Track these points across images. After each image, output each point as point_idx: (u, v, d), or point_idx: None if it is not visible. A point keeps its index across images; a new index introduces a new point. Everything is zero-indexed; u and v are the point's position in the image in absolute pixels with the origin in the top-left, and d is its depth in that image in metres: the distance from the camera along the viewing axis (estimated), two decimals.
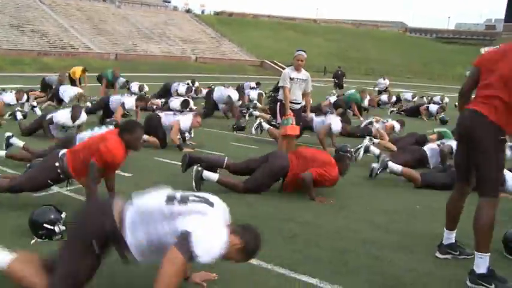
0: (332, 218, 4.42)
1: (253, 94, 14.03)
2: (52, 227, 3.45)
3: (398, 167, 5.80)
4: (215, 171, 5.17)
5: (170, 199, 2.43)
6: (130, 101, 9.07)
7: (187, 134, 7.92)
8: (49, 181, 4.01)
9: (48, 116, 7.35)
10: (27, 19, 35.79)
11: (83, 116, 7.47)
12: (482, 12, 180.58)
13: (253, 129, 8.68)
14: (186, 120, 7.28)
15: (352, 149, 6.94)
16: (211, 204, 2.48)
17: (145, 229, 2.39)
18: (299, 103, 6.66)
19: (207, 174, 4.91)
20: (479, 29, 71.63)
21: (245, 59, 44.38)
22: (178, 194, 2.50)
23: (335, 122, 8.02)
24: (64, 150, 4.08)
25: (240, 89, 13.92)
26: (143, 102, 9.58)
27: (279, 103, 6.60)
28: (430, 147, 6.82)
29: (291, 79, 6.44)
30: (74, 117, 7.27)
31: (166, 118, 7.31)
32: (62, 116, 7.33)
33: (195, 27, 49.20)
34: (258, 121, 8.81)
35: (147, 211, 2.42)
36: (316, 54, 47.20)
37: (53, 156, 4.08)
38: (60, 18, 38.48)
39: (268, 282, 3.04)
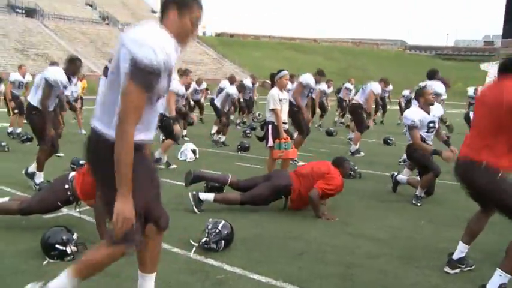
0: (337, 234, 4.47)
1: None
2: (64, 248, 3.52)
3: (405, 179, 6.22)
4: (221, 189, 5.36)
5: (105, 69, 2.27)
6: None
7: (191, 155, 8.05)
8: (59, 203, 4.10)
9: None
10: (32, 43, 36.35)
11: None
12: (480, 29, 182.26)
13: None
14: (176, 85, 7.15)
15: (356, 167, 7.04)
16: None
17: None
18: (286, 123, 6.67)
19: (203, 196, 5.06)
20: (478, 45, 72.11)
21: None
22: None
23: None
24: (73, 173, 4.19)
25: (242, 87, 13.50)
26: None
27: (270, 125, 6.44)
28: None
29: (280, 100, 6.39)
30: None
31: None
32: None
33: (197, 49, 49.75)
34: None
35: (103, 95, 2.24)
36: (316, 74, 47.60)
37: (62, 178, 4.17)
38: (63, 42, 39.06)
39: None
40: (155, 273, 2.61)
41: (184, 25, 2.21)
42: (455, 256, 3.59)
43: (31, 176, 5.78)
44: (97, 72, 35.07)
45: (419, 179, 5.98)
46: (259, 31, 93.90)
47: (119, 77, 2.10)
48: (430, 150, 5.59)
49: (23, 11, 43.48)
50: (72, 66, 5.74)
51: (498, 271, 3.10)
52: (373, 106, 11.61)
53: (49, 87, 5.58)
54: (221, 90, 11.76)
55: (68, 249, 3.54)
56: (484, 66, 57.40)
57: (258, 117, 16.00)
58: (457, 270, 3.59)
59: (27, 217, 4.24)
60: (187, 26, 2.21)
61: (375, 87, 9.95)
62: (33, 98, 5.79)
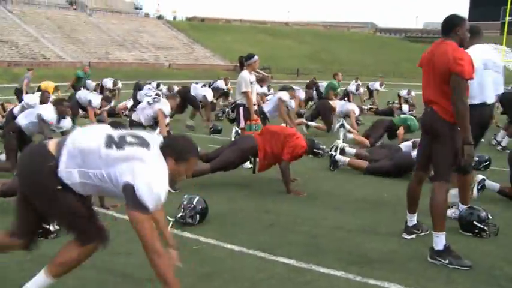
0: (306, 207, 4.80)
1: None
2: (47, 226, 3.69)
3: (345, 159, 6.51)
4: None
5: (109, 143, 2.44)
6: (97, 100, 9.54)
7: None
8: None
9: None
10: None
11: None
12: (449, 12, 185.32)
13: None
14: (165, 106, 7.21)
15: (324, 146, 7.35)
16: (147, 146, 2.45)
17: (79, 166, 2.43)
18: (256, 104, 6.93)
19: None
20: None
21: (218, 63, 44.69)
22: (116, 135, 2.49)
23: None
24: None
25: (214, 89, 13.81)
26: (107, 103, 9.89)
27: (241, 108, 6.64)
28: (405, 146, 6.90)
29: (251, 83, 6.58)
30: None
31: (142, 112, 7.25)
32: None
33: (168, 34, 49.28)
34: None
35: (84, 151, 2.44)
36: (288, 57, 47.89)
37: None
38: (29, 28, 38.09)
39: (250, 264, 3.37)
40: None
41: (180, 171, 2.55)
42: (409, 223, 3.95)
43: None
44: (66, 59, 34.47)
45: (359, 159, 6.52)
46: (230, 15, 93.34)
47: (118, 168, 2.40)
48: None
49: None
50: (60, 108, 6.12)
51: (434, 234, 3.47)
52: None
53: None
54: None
55: (51, 227, 3.72)
56: None
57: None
58: (413, 236, 3.95)
59: (8, 199, 4.38)
60: (181, 172, 2.55)
61: (355, 108, 10.29)
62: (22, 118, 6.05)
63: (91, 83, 15.00)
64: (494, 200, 5.05)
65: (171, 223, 4.04)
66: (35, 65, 31.36)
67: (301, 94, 13.35)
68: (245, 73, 6.62)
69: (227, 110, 11.95)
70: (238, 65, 6.99)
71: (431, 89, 3.52)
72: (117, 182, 2.39)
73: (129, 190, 2.33)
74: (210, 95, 11.31)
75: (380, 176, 6.20)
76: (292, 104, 9.59)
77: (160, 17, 55.25)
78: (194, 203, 4.12)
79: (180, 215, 4.07)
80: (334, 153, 6.68)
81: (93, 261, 3.32)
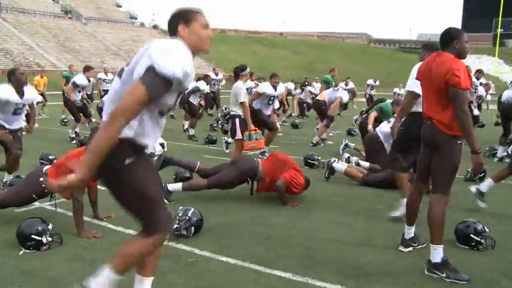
0: (301, 220, 4.76)
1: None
2: (40, 238, 3.65)
3: (342, 167, 6.40)
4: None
5: (121, 71, 2.34)
6: (80, 77, 9.81)
7: (160, 149, 8.16)
8: (34, 196, 4.22)
9: None
10: None
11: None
12: (443, 23, 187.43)
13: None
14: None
15: (319, 157, 7.36)
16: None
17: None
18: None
19: (171, 186, 5.19)
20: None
21: None
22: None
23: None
24: (48, 166, 4.32)
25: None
26: (92, 72, 10.14)
27: (237, 119, 6.67)
28: (382, 131, 6.87)
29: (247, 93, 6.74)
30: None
31: None
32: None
33: None
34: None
35: (110, 96, 2.34)
36: (283, 67, 47.98)
37: (37, 171, 4.30)
38: (24, 36, 38.00)
39: (245, 277, 3.33)
40: (152, 278, 2.61)
41: (197, 32, 2.31)
42: (406, 236, 3.93)
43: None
44: (60, 67, 34.36)
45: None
46: (225, 25, 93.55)
47: (131, 79, 2.17)
48: None
49: None
50: (13, 78, 5.49)
51: (431, 247, 3.44)
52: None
53: None
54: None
55: (44, 239, 3.67)
56: None
57: (225, 111, 16.28)
58: (410, 249, 3.92)
59: (1, 211, 4.33)
60: (199, 31, 2.31)
61: (344, 94, 10.19)
62: None
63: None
64: (491, 212, 5.05)
65: None
66: (30, 73, 31.36)
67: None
68: (240, 84, 6.69)
69: (220, 121, 12.05)
70: (233, 75, 7.03)
71: (429, 103, 3.52)
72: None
73: (148, 69, 2.10)
74: (203, 85, 11.49)
75: (376, 186, 6.19)
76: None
77: (155, 27, 55.29)
78: (189, 214, 4.07)
79: (175, 226, 4.02)
80: (332, 160, 6.64)
81: (84, 273, 3.28)
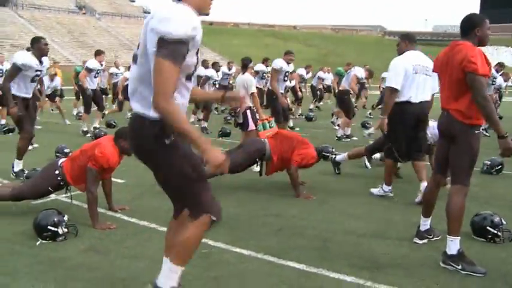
0: (315, 211, 4.75)
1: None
2: (56, 229, 3.70)
3: (344, 156, 6.43)
4: None
5: (134, 56, 2.33)
6: (92, 62, 9.77)
7: None
8: (50, 188, 4.28)
9: None
10: (6, 34, 35.75)
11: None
12: (459, 14, 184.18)
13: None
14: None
15: (334, 149, 7.32)
16: None
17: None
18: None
19: None
20: (456, 31, 73.15)
21: None
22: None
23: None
24: (63, 159, 4.37)
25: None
26: (102, 56, 10.04)
27: (248, 110, 6.72)
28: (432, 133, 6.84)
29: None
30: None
31: None
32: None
33: None
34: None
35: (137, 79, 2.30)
36: (296, 60, 47.39)
37: (52, 164, 4.35)
38: (40, 32, 38.38)
39: (259, 269, 3.33)
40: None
41: None
42: (421, 227, 3.88)
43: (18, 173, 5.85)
44: (75, 62, 34.70)
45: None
46: (238, 18, 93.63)
47: (148, 60, 2.16)
48: None
49: None
50: (37, 45, 5.75)
51: (448, 238, 3.39)
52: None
53: (16, 70, 5.65)
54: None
55: (60, 230, 3.72)
56: None
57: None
58: (425, 241, 3.87)
59: (17, 203, 4.40)
60: None
61: (359, 71, 10.25)
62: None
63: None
64: (509, 205, 4.98)
65: None
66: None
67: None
68: (249, 76, 6.86)
69: (233, 114, 12.02)
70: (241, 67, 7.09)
71: (447, 92, 3.46)
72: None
73: (159, 42, 2.08)
74: (212, 73, 11.72)
75: (380, 150, 6.19)
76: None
77: None
78: None
79: None
80: (333, 156, 6.65)
81: (99, 264, 3.32)
